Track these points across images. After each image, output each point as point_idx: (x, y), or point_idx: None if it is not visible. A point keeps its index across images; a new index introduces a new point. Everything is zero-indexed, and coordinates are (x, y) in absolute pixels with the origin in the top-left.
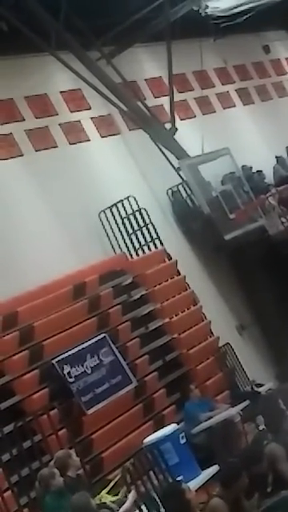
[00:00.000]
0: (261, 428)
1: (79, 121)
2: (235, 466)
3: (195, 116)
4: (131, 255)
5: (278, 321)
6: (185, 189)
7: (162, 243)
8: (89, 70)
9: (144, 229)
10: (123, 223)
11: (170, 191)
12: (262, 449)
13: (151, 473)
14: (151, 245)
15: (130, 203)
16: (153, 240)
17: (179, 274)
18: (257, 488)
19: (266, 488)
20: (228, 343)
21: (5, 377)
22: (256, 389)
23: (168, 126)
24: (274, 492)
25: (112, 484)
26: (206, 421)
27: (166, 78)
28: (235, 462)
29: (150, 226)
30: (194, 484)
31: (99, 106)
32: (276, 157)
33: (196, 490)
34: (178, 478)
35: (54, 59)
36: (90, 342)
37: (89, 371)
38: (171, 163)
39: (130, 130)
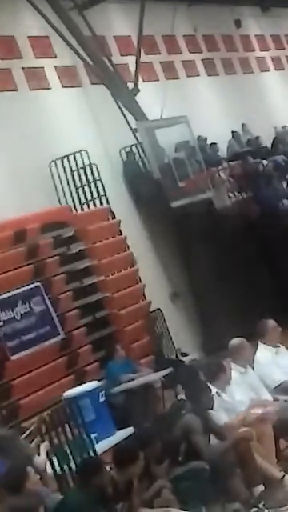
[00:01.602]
0: (179, 397)
1: (43, 68)
2: (149, 431)
3: (158, 80)
4: (76, 209)
5: (211, 294)
6: (138, 151)
7: (108, 201)
8: (59, 19)
9: (92, 184)
10: (72, 176)
11: (123, 151)
12: (176, 418)
13: (66, 426)
14: (97, 201)
15: (81, 157)
16: (99, 197)
17: (121, 234)
18: (168, 455)
19: (177, 457)
20: (159, 309)
21: None
22: (181, 357)
23: (131, 85)
24: (185, 462)
25: (27, 433)
26: (126, 382)
27: (135, 37)
28: (149, 427)
29: (98, 183)
30: (107, 443)
31: (65, 56)
32: (232, 132)
33: (108, 449)
34: (92, 436)
35: (26, 3)
36: (23, 289)
37: (18, 317)
38: (128, 123)
39: (92, 83)
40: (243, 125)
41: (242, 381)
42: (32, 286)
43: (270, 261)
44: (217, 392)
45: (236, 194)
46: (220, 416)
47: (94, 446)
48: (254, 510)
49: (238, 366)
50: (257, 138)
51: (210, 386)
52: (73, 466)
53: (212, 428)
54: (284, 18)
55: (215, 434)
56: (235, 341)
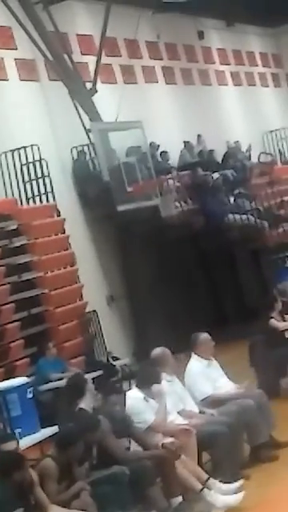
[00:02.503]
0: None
1: (2, 58)
2: (73, 431)
3: (117, 82)
4: (22, 203)
5: (147, 301)
6: (90, 151)
7: (54, 198)
8: (24, 11)
9: (40, 180)
10: (21, 170)
11: (74, 150)
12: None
13: None
14: (44, 197)
15: (32, 151)
16: (46, 193)
17: (64, 233)
18: (87, 457)
19: (91, 460)
20: (95, 311)
21: None
22: (111, 361)
23: (89, 85)
24: (99, 465)
25: None
26: (55, 381)
27: (98, 38)
28: (73, 427)
29: (46, 179)
30: (30, 439)
31: (25, 49)
32: (184, 142)
33: (30, 446)
34: (17, 431)
35: None
36: None
37: None
38: (83, 123)
39: (50, 79)
40: (198, 136)
41: (170, 390)
42: None
43: (208, 273)
44: (144, 397)
45: (183, 203)
46: (146, 417)
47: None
48: None
49: (165, 374)
50: (210, 151)
51: (139, 391)
52: None
53: (132, 433)
54: (247, 34)
55: (136, 440)
56: (158, 350)
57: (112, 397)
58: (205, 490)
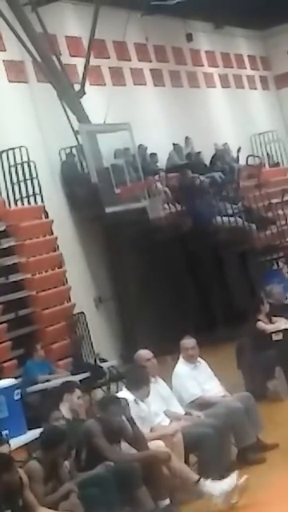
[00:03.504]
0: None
1: None
2: (58, 431)
3: (105, 84)
4: (10, 204)
5: (135, 303)
6: (78, 153)
7: (42, 200)
8: (12, 12)
9: (28, 182)
10: (9, 171)
11: (62, 151)
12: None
13: None
14: (32, 199)
15: (20, 153)
16: (34, 195)
17: (52, 234)
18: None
19: (79, 462)
20: (82, 312)
21: None
22: (99, 363)
23: (77, 87)
24: (87, 466)
25: None
26: (42, 383)
27: (86, 39)
28: (59, 427)
29: (34, 181)
30: (16, 441)
31: (14, 50)
32: (173, 144)
33: (17, 448)
34: (3, 433)
35: None
36: None
37: None
38: (71, 124)
39: (38, 81)
40: (186, 138)
41: (154, 391)
42: None
43: (196, 275)
44: (135, 400)
45: (171, 205)
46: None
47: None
48: None
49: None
50: (198, 153)
51: (129, 393)
52: None
53: (127, 436)
54: (236, 37)
55: (131, 443)
56: (142, 352)
57: (108, 402)
58: (201, 480)
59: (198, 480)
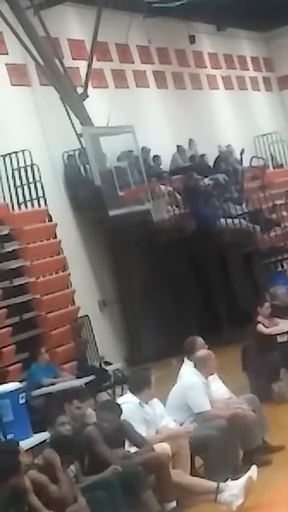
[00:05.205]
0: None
1: None
2: (66, 437)
3: (108, 87)
4: (13, 208)
5: (139, 305)
6: (81, 156)
7: (46, 203)
8: (15, 16)
9: (32, 185)
10: (13, 175)
11: (66, 154)
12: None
13: None
14: (35, 202)
15: (24, 156)
16: (38, 198)
17: (56, 238)
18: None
19: (83, 467)
20: (87, 315)
21: None
22: (104, 366)
23: (80, 90)
24: (91, 471)
25: None
26: (47, 386)
27: (89, 42)
28: (65, 435)
29: (38, 184)
30: (22, 445)
31: (17, 53)
32: (177, 146)
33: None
34: (9, 437)
35: None
36: None
37: None
38: (74, 127)
39: (41, 84)
40: (190, 140)
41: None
42: None
43: (200, 277)
44: (139, 403)
45: (175, 208)
46: (139, 428)
47: None
48: None
49: None
50: (202, 155)
51: (134, 397)
52: None
53: (130, 438)
54: (238, 38)
55: (136, 444)
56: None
57: (107, 406)
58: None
59: (218, 485)
